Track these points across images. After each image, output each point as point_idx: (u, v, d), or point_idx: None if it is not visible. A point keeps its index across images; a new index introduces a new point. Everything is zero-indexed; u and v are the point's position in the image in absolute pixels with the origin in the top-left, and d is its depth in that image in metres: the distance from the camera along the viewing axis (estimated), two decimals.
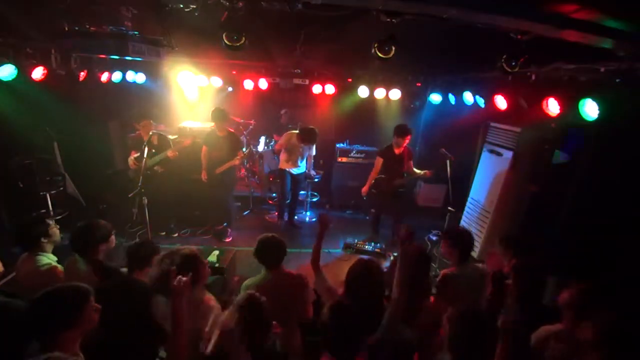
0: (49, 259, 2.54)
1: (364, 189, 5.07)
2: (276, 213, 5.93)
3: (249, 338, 1.70)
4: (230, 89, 6.46)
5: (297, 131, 5.28)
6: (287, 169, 5.43)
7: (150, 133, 4.62)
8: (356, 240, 5.13)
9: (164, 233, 5.14)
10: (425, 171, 4.91)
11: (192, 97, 6.69)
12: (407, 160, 4.95)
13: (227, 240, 5.13)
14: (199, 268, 2.20)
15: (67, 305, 1.59)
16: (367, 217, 6.10)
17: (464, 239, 2.78)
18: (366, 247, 5.02)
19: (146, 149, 4.36)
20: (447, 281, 2.65)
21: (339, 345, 1.72)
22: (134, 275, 2.38)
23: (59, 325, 1.57)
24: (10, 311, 1.77)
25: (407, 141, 4.82)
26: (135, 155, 4.62)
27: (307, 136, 5.10)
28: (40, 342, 1.56)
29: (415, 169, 4.99)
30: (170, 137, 5.10)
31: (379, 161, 4.97)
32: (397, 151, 4.89)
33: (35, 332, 1.57)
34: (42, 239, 2.55)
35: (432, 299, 2.57)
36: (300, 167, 5.50)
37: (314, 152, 5.55)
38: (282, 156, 5.46)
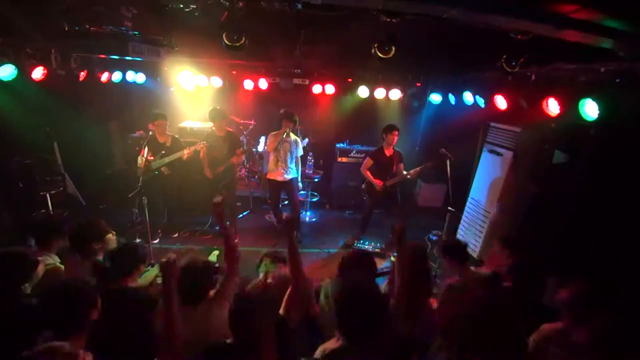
0: (52, 259, 2.54)
1: (378, 182, 4.87)
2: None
3: None
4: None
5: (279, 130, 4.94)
6: (274, 178, 5.07)
7: (168, 134, 4.63)
8: (356, 241, 5.13)
9: (162, 233, 5.13)
10: (411, 171, 4.89)
11: (192, 97, 6.68)
12: (397, 163, 4.96)
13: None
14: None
15: (89, 288, 1.76)
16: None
17: (451, 246, 2.87)
18: (366, 246, 5.03)
19: (146, 149, 4.37)
20: (449, 291, 2.65)
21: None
22: (121, 282, 2.27)
23: (90, 305, 1.71)
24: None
25: (395, 137, 4.82)
26: (149, 156, 4.52)
27: (287, 115, 4.84)
28: (68, 325, 1.63)
29: (403, 171, 4.97)
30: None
31: (368, 162, 4.95)
32: (387, 153, 4.91)
33: (66, 314, 1.64)
34: (52, 239, 2.55)
35: (433, 301, 2.57)
36: (291, 171, 5.07)
37: (300, 152, 5.12)
38: (270, 163, 5.07)
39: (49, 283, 1.89)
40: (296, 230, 5.35)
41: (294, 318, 1.96)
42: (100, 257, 2.59)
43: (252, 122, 6.79)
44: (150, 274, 3.19)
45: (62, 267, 2.53)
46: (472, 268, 2.82)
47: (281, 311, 1.97)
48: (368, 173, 4.94)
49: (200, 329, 1.99)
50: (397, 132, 4.84)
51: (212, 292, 2.21)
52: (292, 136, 5.02)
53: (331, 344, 1.78)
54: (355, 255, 2.51)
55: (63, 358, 1.39)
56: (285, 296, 2.02)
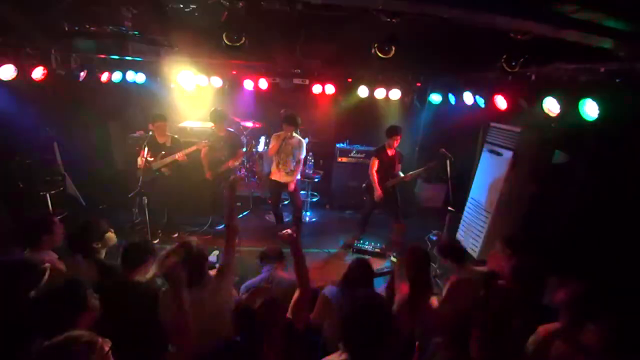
0: (50, 257, 2.54)
1: (378, 193, 4.84)
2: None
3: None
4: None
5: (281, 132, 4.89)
6: (276, 179, 5.07)
7: (167, 134, 4.66)
8: (356, 241, 5.13)
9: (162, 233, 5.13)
10: (410, 173, 4.90)
11: (192, 97, 6.67)
12: (397, 162, 4.95)
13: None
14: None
15: (80, 290, 1.75)
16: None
17: (448, 247, 2.85)
18: (366, 246, 5.03)
19: (146, 149, 4.37)
20: (452, 289, 2.65)
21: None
22: (128, 275, 2.35)
23: (78, 308, 1.69)
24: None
25: (398, 141, 4.79)
26: (148, 156, 4.51)
27: (288, 118, 4.77)
28: (56, 327, 1.58)
29: (400, 173, 4.97)
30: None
31: (374, 162, 4.92)
32: (390, 152, 4.89)
33: (53, 316, 1.64)
34: (42, 237, 2.55)
35: (433, 300, 2.57)
36: (292, 173, 5.05)
37: (304, 154, 5.09)
38: (272, 165, 5.09)
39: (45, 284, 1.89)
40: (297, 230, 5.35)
41: (301, 323, 1.98)
42: (102, 256, 2.61)
43: (253, 124, 6.77)
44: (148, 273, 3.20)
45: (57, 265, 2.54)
46: (473, 267, 2.81)
47: (288, 314, 1.99)
48: (375, 176, 4.88)
49: (209, 309, 2.06)
50: (399, 136, 4.79)
51: (213, 272, 2.27)
52: (297, 137, 4.97)
53: (334, 358, 1.79)
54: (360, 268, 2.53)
55: (82, 346, 1.40)
56: (293, 301, 2.05)
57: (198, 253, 2.20)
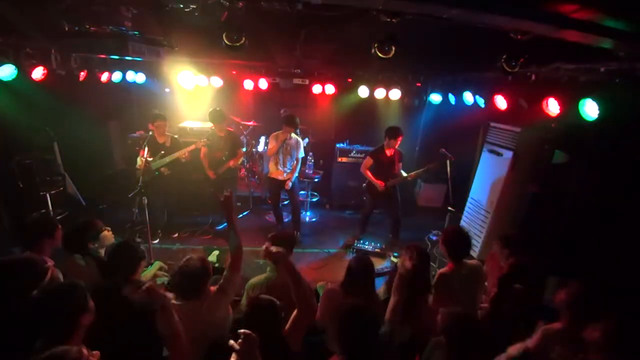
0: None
1: (380, 183, 4.80)
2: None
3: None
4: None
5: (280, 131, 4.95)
6: (275, 177, 5.10)
7: (167, 134, 4.67)
8: (356, 241, 5.13)
9: (162, 233, 5.14)
10: (412, 173, 4.88)
11: (192, 97, 6.68)
12: (397, 162, 4.92)
13: None
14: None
15: (80, 291, 1.74)
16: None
17: (452, 237, 2.77)
18: (366, 246, 5.03)
19: (146, 149, 4.37)
20: (441, 281, 2.65)
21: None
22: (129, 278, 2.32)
23: (78, 309, 1.68)
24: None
25: (398, 142, 4.76)
26: (148, 156, 4.49)
27: (288, 120, 4.83)
28: (57, 330, 1.61)
29: (402, 172, 4.95)
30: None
31: (368, 161, 4.89)
32: (388, 153, 4.85)
33: (54, 319, 1.64)
34: (44, 240, 2.54)
35: (431, 298, 2.58)
36: (290, 172, 5.09)
37: (302, 154, 5.08)
38: (270, 163, 5.12)
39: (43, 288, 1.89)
40: (296, 230, 5.36)
41: (297, 340, 1.97)
42: (101, 254, 2.62)
43: (252, 123, 6.78)
44: (149, 272, 3.20)
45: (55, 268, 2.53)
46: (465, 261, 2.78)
47: (286, 328, 1.98)
48: (368, 173, 4.88)
49: (204, 323, 2.07)
50: (401, 138, 4.74)
51: (213, 288, 2.27)
52: (294, 137, 4.99)
53: None
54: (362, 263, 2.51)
55: None
56: (290, 320, 2.01)
57: (199, 269, 2.18)
